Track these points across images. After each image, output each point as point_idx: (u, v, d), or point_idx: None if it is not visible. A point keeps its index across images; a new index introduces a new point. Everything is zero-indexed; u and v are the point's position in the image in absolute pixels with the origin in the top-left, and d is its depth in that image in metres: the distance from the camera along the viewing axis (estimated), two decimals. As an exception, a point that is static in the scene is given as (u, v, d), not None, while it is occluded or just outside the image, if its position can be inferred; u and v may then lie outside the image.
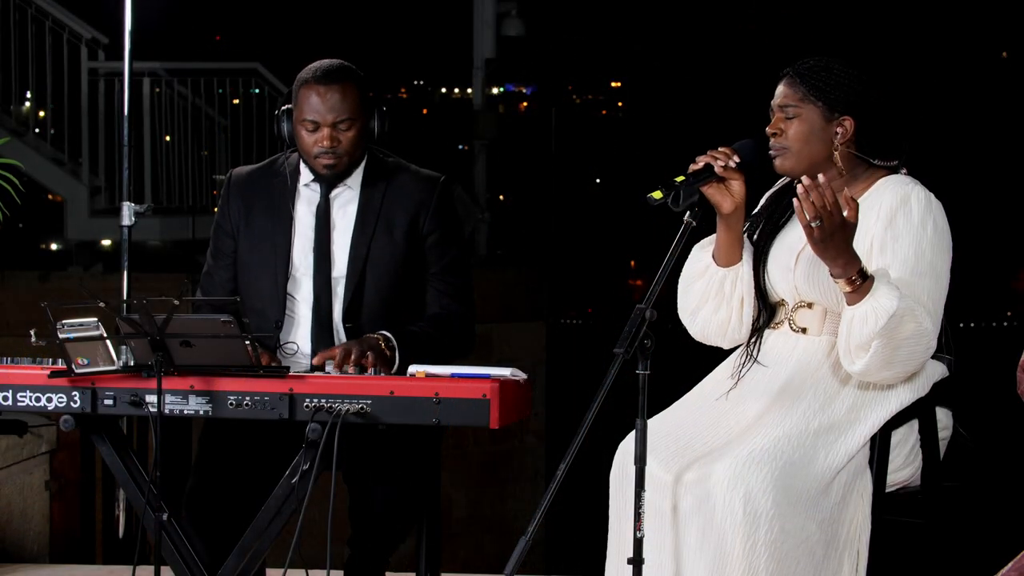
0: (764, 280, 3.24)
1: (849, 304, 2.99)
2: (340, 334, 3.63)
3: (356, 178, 3.68)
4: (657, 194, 3.03)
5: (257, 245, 3.69)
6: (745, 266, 3.22)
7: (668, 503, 3.02)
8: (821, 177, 2.93)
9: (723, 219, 3.17)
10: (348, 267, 3.64)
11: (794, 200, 2.95)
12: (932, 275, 3.04)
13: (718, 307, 3.24)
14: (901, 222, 3.07)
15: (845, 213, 2.91)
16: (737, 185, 3.14)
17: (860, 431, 3.05)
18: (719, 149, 3.13)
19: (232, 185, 3.76)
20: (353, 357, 3.42)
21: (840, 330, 3.03)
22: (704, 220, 3.12)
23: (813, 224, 2.91)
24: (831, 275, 2.99)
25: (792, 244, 3.21)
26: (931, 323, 3.00)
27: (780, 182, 3.35)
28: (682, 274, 3.28)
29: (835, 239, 2.92)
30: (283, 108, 3.68)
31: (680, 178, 3.07)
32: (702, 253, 3.25)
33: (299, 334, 3.66)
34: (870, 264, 3.05)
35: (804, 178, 2.93)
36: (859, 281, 2.96)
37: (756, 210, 3.35)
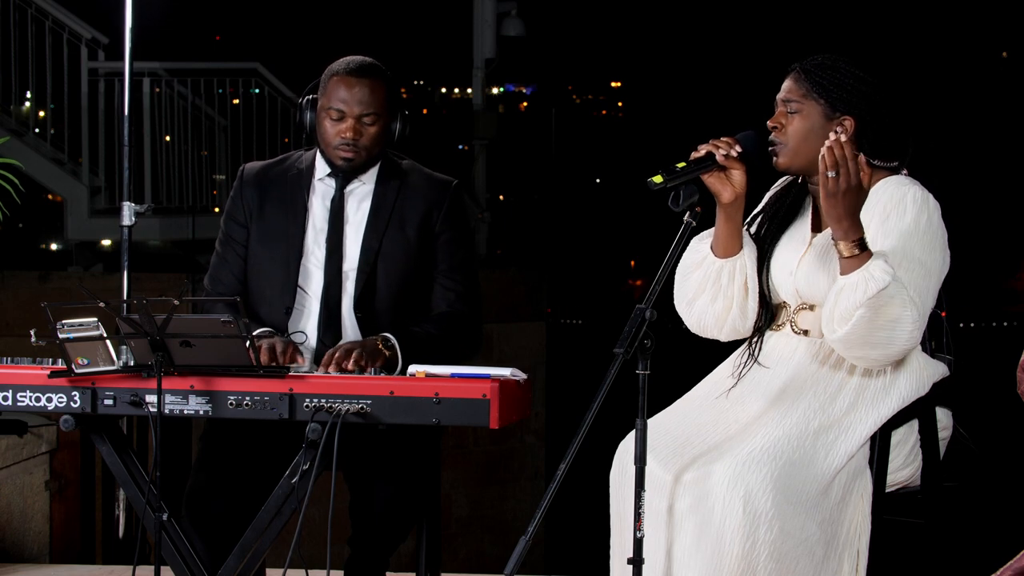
0: (766, 282, 3.24)
1: (843, 273, 2.99)
2: (348, 325, 3.65)
3: (371, 175, 3.71)
4: (658, 178, 3.03)
5: (269, 235, 3.71)
6: (747, 258, 3.22)
7: (665, 503, 3.02)
8: (844, 136, 2.97)
9: (723, 209, 3.17)
10: (360, 259, 3.66)
11: (822, 149, 2.98)
12: (920, 269, 3.04)
13: (715, 297, 3.24)
14: (894, 219, 3.08)
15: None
16: (738, 175, 3.14)
17: (860, 431, 3.05)
18: (721, 138, 3.14)
19: (245, 177, 3.78)
20: (337, 356, 3.42)
21: (828, 298, 3.04)
22: (704, 220, 3.12)
23: (830, 174, 2.96)
24: (832, 237, 3.00)
25: (795, 246, 3.21)
26: (915, 312, 3.00)
27: (782, 180, 3.35)
28: (679, 264, 3.28)
29: (847, 197, 2.96)
30: (308, 97, 3.71)
31: (682, 164, 3.07)
32: (700, 244, 3.25)
33: (307, 325, 3.67)
34: None
35: (831, 134, 2.99)
36: (857, 249, 2.98)
37: (759, 208, 3.35)
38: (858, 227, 2.98)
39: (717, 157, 3.11)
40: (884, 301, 2.95)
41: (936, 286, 3.08)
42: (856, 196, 2.96)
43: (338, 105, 3.62)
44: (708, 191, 3.13)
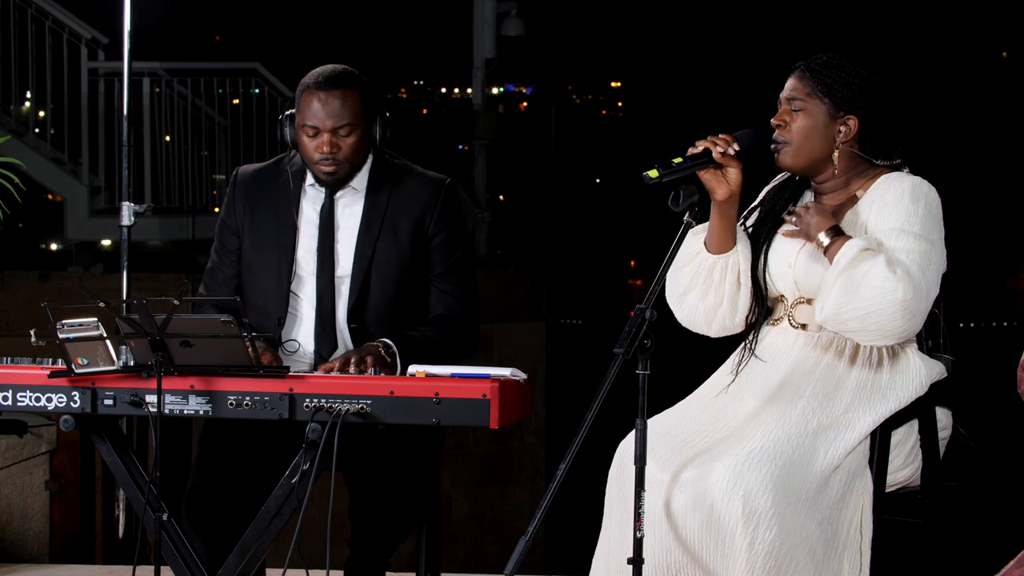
0: (764, 275, 3.24)
1: (830, 262, 3.07)
2: (343, 334, 3.64)
3: (362, 180, 3.68)
4: (653, 172, 3.05)
5: (262, 244, 3.69)
6: (741, 255, 3.22)
7: (661, 500, 3.02)
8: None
9: (716, 205, 3.18)
10: (353, 267, 3.65)
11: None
12: (923, 239, 3.05)
13: (705, 293, 3.24)
14: (891, 203, 3.10)
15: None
16: (734, 173, 3.15)
17: (858, 427, 3.05)
18: (720, 135, 3.14)
19: (238, 183, 3.76)
20: (353, 361, 3.42)
21: (820, 290, 3.09)
22: (703, 218, 3.13)
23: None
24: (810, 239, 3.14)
25: (793, 239, 3.21)
26: (904, 274, 3.00)
27: (780, 176, 3.35)
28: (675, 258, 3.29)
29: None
30: (286, 113, 3.67)
31: (678, 159, 3.09)
32: (695, 239, 3.26)
33: (302, 333, 3.66)
34: None
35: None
36: (833, 234, 3.08)
37: (756, 202, 3.35)
38: (829, 218, 3.11)
39: (714, 154, 3.12)
40: (864, 269, 2.99)
41: (940, 258, 3.07)
42: (820, 217, 3.12)
43: (311, 121, 3.57)
44: (704, 188, 3.15)
